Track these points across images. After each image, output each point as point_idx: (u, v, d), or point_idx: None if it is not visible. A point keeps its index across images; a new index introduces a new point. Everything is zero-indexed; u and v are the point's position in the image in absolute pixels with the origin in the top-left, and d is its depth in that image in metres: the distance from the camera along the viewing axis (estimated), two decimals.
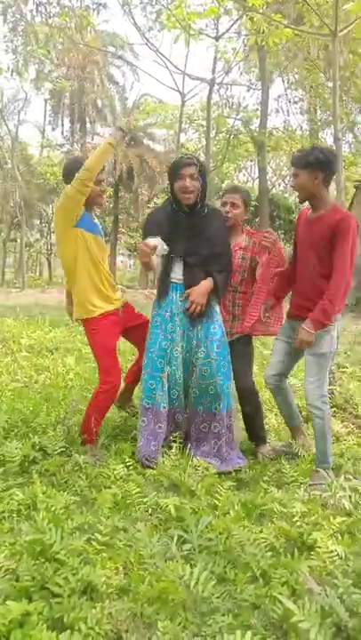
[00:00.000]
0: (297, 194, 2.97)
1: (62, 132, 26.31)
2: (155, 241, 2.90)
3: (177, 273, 3.02)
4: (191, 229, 2.99)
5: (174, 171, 2.96)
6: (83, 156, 3.00)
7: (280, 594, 1.77)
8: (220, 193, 3.35)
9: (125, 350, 5.06)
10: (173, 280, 3.02)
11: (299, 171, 2.85)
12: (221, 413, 3.02)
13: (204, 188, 2.98)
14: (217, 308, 3.07)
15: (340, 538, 2.15)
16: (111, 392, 3.11)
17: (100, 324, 3.08)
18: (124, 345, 4.17)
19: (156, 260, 2.95)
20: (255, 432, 3.30)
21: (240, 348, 3.20)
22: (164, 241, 2.95)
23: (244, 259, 3.19)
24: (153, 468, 2.84)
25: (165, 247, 2.96)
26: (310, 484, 2.70)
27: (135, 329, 3.28)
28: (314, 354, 2.87)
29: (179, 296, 3.01)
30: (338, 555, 2.02)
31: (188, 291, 2.98)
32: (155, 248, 2.82)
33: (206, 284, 2.98)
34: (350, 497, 2.51)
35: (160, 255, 2.97)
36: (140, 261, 2.98)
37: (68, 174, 3.04)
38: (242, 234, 3.26)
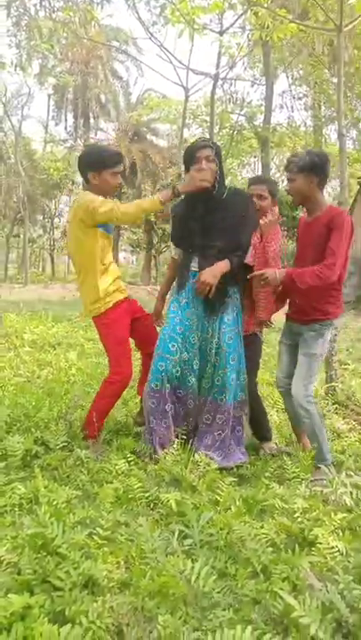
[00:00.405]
0: (292, 198, 2.97)
1: (66, 128, 26.34)
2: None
3: (196, 262, 2.99)
4: (207, 219, 2.93)
5: (190, 154, 2.92)
6: (100, 145, 3.00)
7: (281, 589, 1.77)
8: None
9: None
10: (193, 269, 3.00)
11: (294, 175, 2.86)
12: (227, 405, 2.99)
13: (221, 170, 2.92)
14: (236, 297, 3.03)
15: (341, 534, 2.15)
16: (121, 383, 3.08)
17: (113, 313, 3.06)
18: None
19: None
20: (261, 433, 3.31)
21: (251, 348, 3.13)
22: (183, 236, 3.03)
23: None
24: (157, 460, 2.84)
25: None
26: (311, 480, 2.70)
27: (137, 322, 3.24)
28: (305, 354, 2.90)
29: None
30: (339, 551, 2.02)
31: (200, 272, 2.92)
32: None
33: (221, 265, 2.89)
34: (351, 493, 2.51)
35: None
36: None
37: (86, 164, 2.98)
38: None
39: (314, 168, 2.79)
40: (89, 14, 7.84)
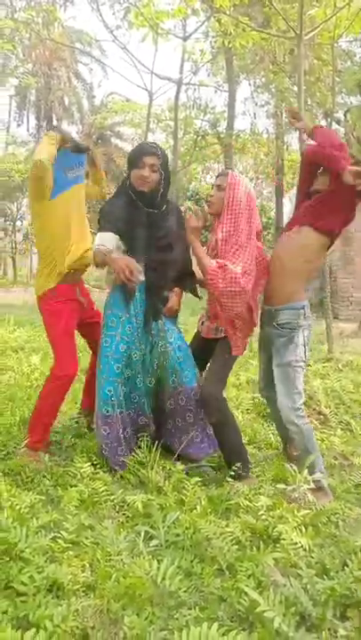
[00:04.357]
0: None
1: (28, 129, 25.94)
2: (108, 237, 2.78)
3: (142, 273, 2.86)
4: (150, 226, 2.86)
5: (136, 157, 2.81)
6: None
7: (246, 586, 1.79)
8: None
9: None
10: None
11: None
12: (183, 386, 2.92)
13: (165, 181, 2.82)
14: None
15: (304, 530, 2.19)
16: (63, 382, 2.91)
17: (59, 299, 2.94)
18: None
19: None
20: (228, 459, 2.83)
21: (218, 351, 2.87)
22: (128, 247, 2.84)
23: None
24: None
25: (120, 244, 2.83)
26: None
27: (91, 326, 3.14)
28: (278, 365, 2.78)
29: (142, 295, 2.88)
30: (302, 546, 2.06)
31: (169, 305, 2.93)
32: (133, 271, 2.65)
33: (179, 294, 3.00)
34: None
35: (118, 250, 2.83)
36: (121, 278, 2.62)
37: None
38: None
39: None
40: (52, 15, 7.75)
